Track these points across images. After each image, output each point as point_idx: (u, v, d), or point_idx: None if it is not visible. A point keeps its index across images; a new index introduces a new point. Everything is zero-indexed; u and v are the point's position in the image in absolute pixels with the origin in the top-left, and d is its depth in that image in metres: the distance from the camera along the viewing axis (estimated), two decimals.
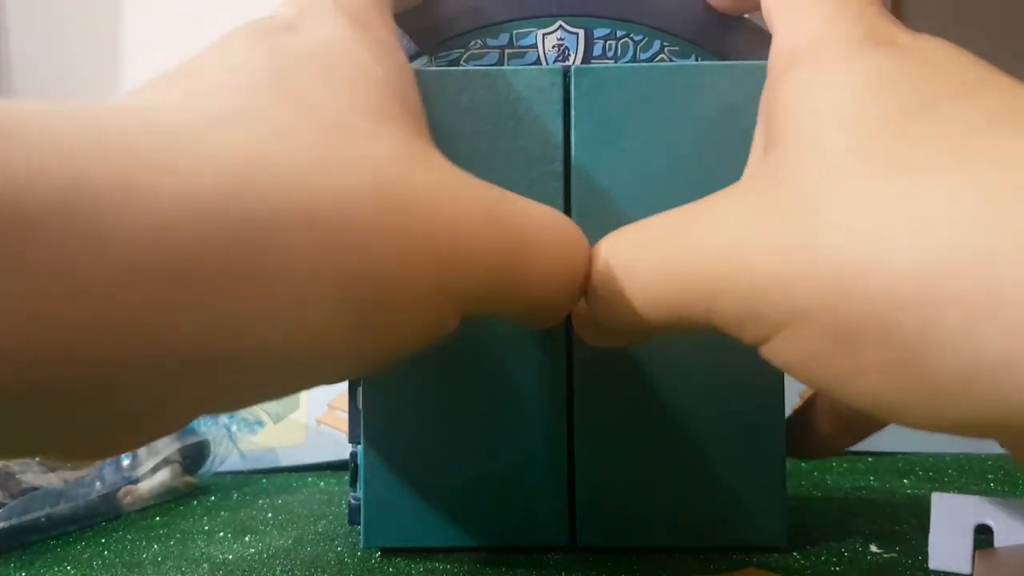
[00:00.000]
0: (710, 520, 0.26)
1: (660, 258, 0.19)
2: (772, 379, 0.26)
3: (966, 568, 0.24)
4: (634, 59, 0.29)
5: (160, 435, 0.17)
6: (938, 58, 0.18)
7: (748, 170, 0.21)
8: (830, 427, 0.27)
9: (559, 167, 0.26)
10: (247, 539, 0.30)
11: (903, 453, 0.46)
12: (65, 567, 0.27)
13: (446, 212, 0.18)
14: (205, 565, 0.27)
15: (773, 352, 0.17)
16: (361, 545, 0.27)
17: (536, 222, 0.20)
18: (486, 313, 0.20)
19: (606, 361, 0.26)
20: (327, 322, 0.16)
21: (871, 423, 0.26)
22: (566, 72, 0.26)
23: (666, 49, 0.29)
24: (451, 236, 0.17)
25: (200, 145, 0.15)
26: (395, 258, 0.16)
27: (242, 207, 0.14)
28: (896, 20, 0.20)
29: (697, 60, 0.29)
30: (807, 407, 0.27)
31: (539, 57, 0.29)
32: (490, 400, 0.26)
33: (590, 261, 0.21)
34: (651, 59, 0.29)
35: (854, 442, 0.27)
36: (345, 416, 0.29)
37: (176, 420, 0.17)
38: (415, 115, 0.20)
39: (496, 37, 0.29)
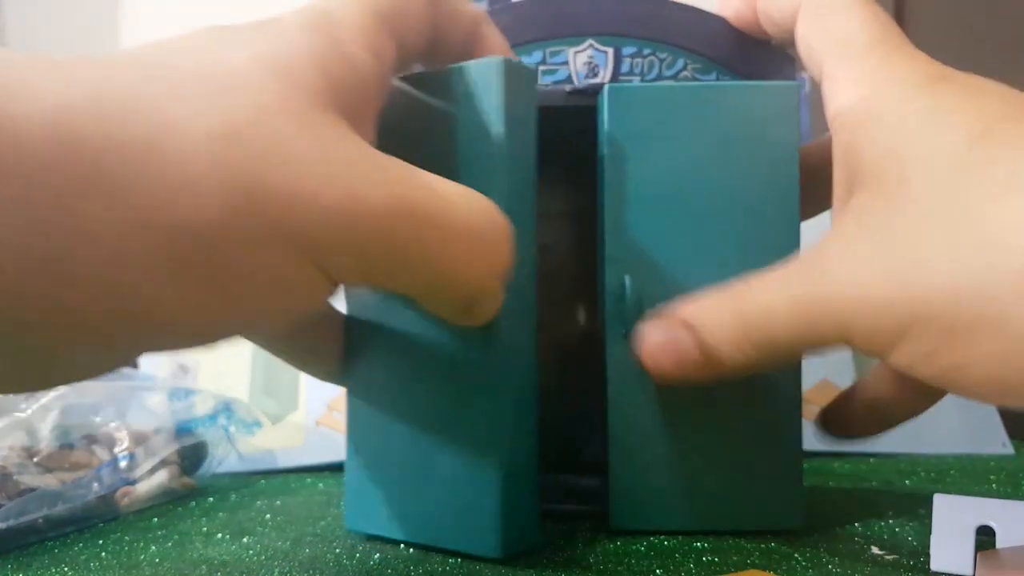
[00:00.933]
0: (733, 504, 0.28)
1: (796, 292, 0.22)
2: (790, 373, 0.28)
3: (968, 570, 0.24)
4: (659, 76, 0.31)
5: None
6: (991, 91, 0.21)
7: (840, 213, 0.23)
8: (865, 414, 0.29)
9: (497, 163, 0.25)
10: (245, 541, 0.30)
11: (905, 454, 0.46)
12: (63, 569, 0.27)
13: (300, 166, 0.17)
14: (203, 567, 0.27)
15: (898, 358, 0.20)
16: (345, 526, 0.29)
17: (443, 199, 0.20)
18: (373, 283, 0.20)
19: (636, 361, 0.28)
20: (147, 255, 0.16)
21: (899, 415, 0.29)
22: (507, 64, 0.25)
23: (689, 67, 0.31)
24: (302, 188, 0.17)
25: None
26: (218, 201, 0.16)
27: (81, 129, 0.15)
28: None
29: (718, 78, 0.31)
30: (846, 397, 0.30)
31: (570, 74, 0.30)
32: (439, 402, 0.26)
33: (510, 247, 0.22)
34: (675, 76, 0.31)
35: (883, 430, 0.30)
36: (343, 417, 0.29)
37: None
38: (327, 92, 0.19)
39: (530, 55, 0.31)
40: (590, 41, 0.31)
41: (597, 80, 0.31)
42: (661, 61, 0.31)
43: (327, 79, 0.19)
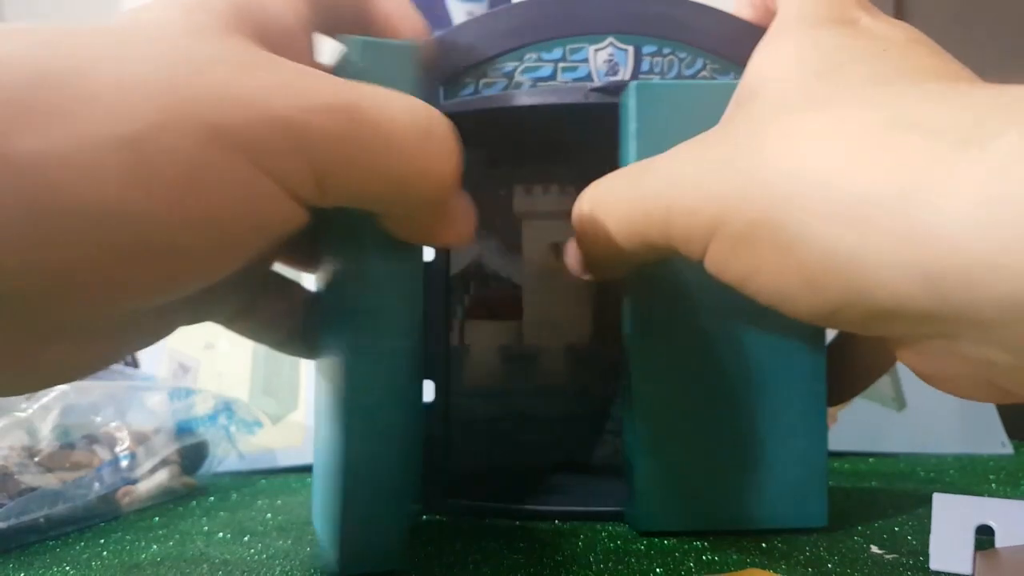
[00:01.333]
0: (759, 505, 0.29)
1: (628, 192, 0.24)
2: (816, 379, 0.29)
3: (967, 569, 0.24)
4: (679, 76, 0.31)
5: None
6: (883, 35, 0.22)
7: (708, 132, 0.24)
8: (844, 376, 0.30)
9: None
10: (246, 540, 0.30)
11: (904, 454, 0.46)
12: (64, 568, 0.27)
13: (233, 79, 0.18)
14: (204, 566, 0.27)
15: (710, 263, 0.22)
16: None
17: (379, 96, 0.20)
18: (331, 193, 0.20)
19: (662, 359, 0.28)
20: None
21: (875, 368, 0.30)
22: (364, 44, 0.24)
23: (708, 67, 0.31)
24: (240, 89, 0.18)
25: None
26: (152, 108, 0.17)
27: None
28: (875, 9, 0.24)
29: (734, 77, 0.31)
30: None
31: (591, 72, 0.31)
32: (332, 414, 0.25)
33: (452, 152, 0.21)
34: (694, 76, 0.31)
35: (865, 386, 0.30)
36: None
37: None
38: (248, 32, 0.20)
39: (550, 51, 0.31)
40: (610, 39, 0.31)
41: (617, 78, 0.31)
42: (681, 61, 0.32)
43: (237, 10, 0.20)
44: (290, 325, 0.28)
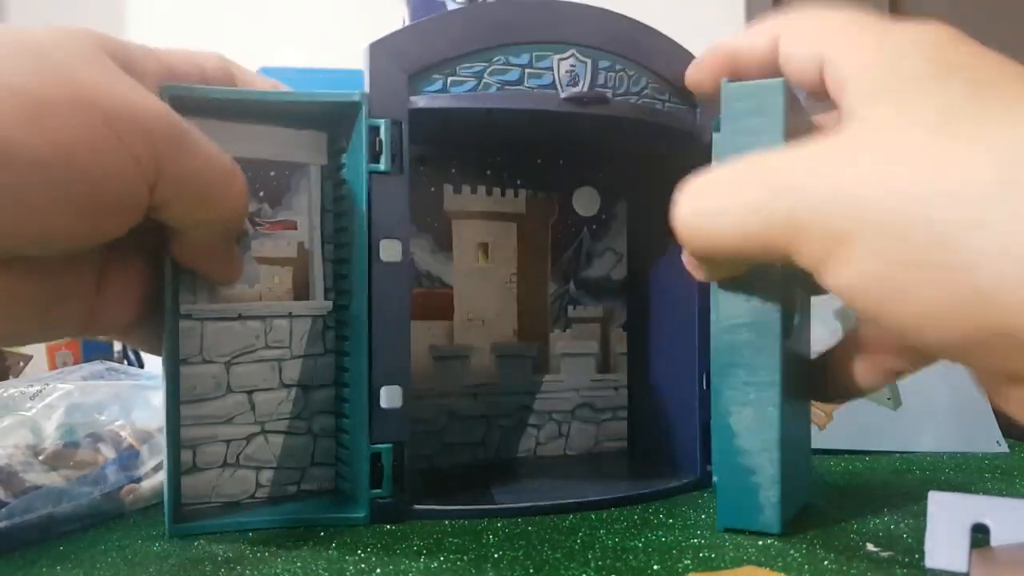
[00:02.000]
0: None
1: (742, 197, 0.23)
2: (799, 372, 0.30)
3: (963, 567, 0.24)
4: (627, 91, 0.34)
5: None
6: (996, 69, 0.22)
7: (822, 137, 0.23)
8: (846, 375, 0.29)
9: None
10: (248, 536, 0.30)
11: (900, 452, 0.46)
12: (67, 566, 0.27)
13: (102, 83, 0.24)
14: (207, 564, 0.27)
15: (836, 270, 0.21)
16: None
17: (200, 135, 0.27)
18: (166, 181, 0.25)
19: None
20: None
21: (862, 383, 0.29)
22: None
23: (650, 86, 0.34)
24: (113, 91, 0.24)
25: None
26: (48, 82, 0.23)
27: None
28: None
29: (669, 99, 0.35)
30: (825, 358, 0.30)
31: (554, 80, 0.33)
32: None
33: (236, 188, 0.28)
34: (640, 92, 0.34)
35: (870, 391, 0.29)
36: None
37: None
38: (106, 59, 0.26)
39: (518, 56, 0.33)
40: (572, 51, 0.33)
41: (577, 89, 0.33)
42: (629, 78, 0.34)
43: (98, 41, 0.26)
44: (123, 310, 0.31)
